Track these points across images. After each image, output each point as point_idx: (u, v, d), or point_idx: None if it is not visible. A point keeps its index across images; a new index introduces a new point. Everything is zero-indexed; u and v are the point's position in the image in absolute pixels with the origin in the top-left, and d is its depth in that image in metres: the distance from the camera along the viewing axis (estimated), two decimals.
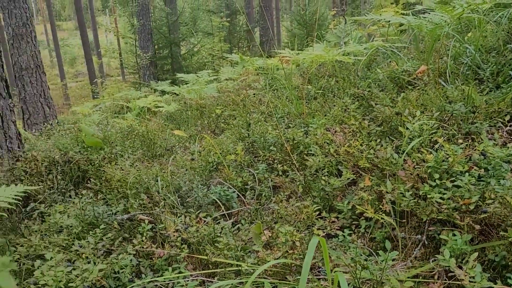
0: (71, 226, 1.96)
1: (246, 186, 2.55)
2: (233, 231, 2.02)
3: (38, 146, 3.41)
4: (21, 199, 1.96)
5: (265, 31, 14.84)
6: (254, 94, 4.37)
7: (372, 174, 2.02)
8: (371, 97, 2.81)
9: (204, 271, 1.86)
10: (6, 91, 3.16)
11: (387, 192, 1.74)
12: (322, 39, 7.20)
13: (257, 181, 2.52)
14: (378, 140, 2.12)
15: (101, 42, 32.81)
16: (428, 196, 1.60)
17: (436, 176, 1.68)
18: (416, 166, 1.77)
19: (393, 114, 2.32)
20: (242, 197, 2.45)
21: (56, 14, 50.39)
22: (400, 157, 1.86)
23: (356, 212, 1.84)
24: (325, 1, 28.31)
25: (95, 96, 15.44)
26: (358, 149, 2.04)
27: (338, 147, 2.15)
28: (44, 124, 6.59)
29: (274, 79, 4.79)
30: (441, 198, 1.59)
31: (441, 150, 1.79)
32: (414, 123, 2.02)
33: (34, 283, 1.57)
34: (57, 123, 6.71)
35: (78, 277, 1.56)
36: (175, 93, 7.43)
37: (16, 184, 2.70)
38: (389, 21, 3.33)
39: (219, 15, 15.14)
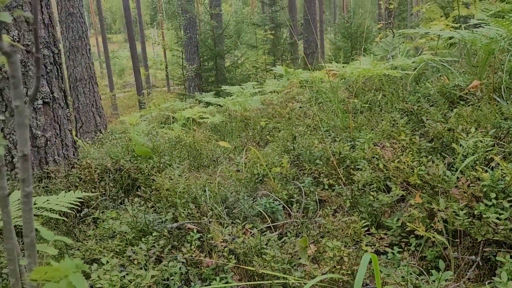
0: (125, 233, 2.04)
1: (291, 199, 2.56)
2: (279, 243, 2.04)
3: (91, 154, 3.58)
4: (79, 204, 2.06)
5: (309, 44, 14.86)
6: (300, 107, 4.38)
7: (423, 191, 1.98)
8: (421, 112, 2.76)
9: (250, 282, 1.88)
10: (64, 101, 3.34)
11: (439, 210, 1.71)
12: (368, 52, 7.13)
13: (303, 194, 2.52)
14: (429, 157, 2.08)
15: (149, 54, 33.95)
16: (484, 215, 1.56)
17: (492, 195, 1.63)
18: (470, 185, 1.72)
19: (445, 130, 2.27)
20: (288, 209, 2.46)
21: (107, 27, 52.67)
22: (454, 175, 1.81)
23: (406, 229, 1.81)
24: (370, 13, 28.02)
25: (142, 106, 15.95)
26: (408, 165, 2.01)
27: (387, 162, 2.13)
28: (95, 132, 6.90)
29: (319, 92, 4.79)
30: (497, 218, 1.54)
31: (498, 168, 1.73)
32: (468, 140, 1.97)
33: (91, 286, 1.65)
34: (109, 132, 7.00)
35: (131, 282, 1.62)
36: (220, 105, 7.56)
37: (71, 190, 2.85)
38: (440, 35, 3.27)
39: (263, 28, 15.31)
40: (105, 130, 7.18)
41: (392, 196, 2.05)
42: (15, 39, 2.92)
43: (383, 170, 2.14)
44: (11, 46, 0.64)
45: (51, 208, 1.73)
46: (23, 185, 0.70)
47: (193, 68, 12.38)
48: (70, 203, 1.78)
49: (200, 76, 12.89)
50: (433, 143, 2.33)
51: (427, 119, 2.46)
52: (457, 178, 1.79)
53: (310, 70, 6.16)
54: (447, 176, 1.83)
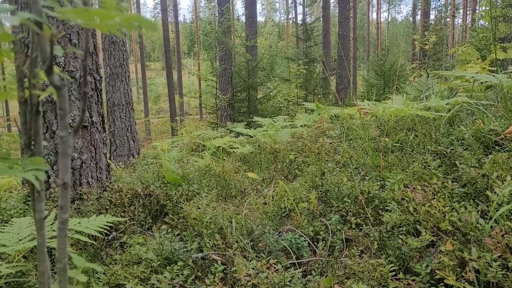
0: (150, 260, 2.06)
1: (317, 236, 2.53)
2: (303, 281, 2.00)
3: (123, 178, 3.66)
4: (108, 229, 2.11)
5: (342, 80, 14.93)
6: (330, 143, 4.37)
7: (454, 238, 1.92)
8: (454, 155, 2.71)
9: None
10: (102, 126, 3.46)
11: (471, 259, 1.65)
12: (401, 91, 7.10)
13: (329, 232, 2.49)
14: (462, 202, 2.03)
15: (184, 83, 34.88)
16: None
17: None
18: (505, 235, 1.66)
19: (479, 176, 2.22)
20: (313, 246, 2.43)
21: (146, 55, 54.63)
22: (487, 223, 1.76)
23: (435, 277, 1.75)
24: (404, 52, 28.01)
25: (174, 133, 16.26)
26: (439, 209, 1.96)
27: (417, 205, 2.09)
28: (128, 156, 7.07)
29: (350, 128, 4.78)
30: None
31: None
32: (503, 188, 1.92)
33: None
34: (139, 156, 7.15)
35: None
36: (250, 136, 7.63)
37: (101, 213, 2.91)
38: (478, 78, 3.23)
39: (296, 62, 15.52)
40: (138, 155, 7.34)
41: (421, 241, 1.99)
42: (61, 65, 3.08)
43: (413, 213, 2.09)
44: (61, 79, 0.69)
45: (81, 231, 1.77)
46: (61, 212, 0.73)
47: (226, 98, 12.60)
48: (100, 227, 1.82)
49: (233, 106, 13.08)
50: (466, 189, 2.28)
51: (460, 163, 2.41)
52: (491, 227, 1.73)
53: (341, 106, 6.16)
54: (480, 224, 1.77)
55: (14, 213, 2.70)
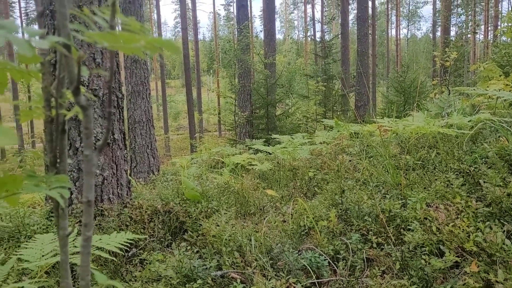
0: (170, 277, 2.06)
1: (338, 255, 2.49)
2: None
3: (143, 194, 3.69)
4: (128, 245, 2.12)
5: (361, 96, 14.87)
6: (350, 160, 4.34)
7: (479, 259, 1.87)
8: (478, 174, 2.65)
9: None
10: (123, 143, 3.51)
11: (497, 282, 1.60)
12: (422, 107, 7.03)
13: (350, 251, 2.45)
14: (487, 222, 1.98)
15: (203, 100, 35.26)
16: None
17: None
18: None
19: (504, 195, 2.16)
20: (333, 265, 2.39)
21: (166, 73, 55.54)
22: None
23: None
24: (425, 69, 27.78)
25: (193, 150, 16.38)
26: (463, 229, 1.91)
27: (440, 225, 2.04)
28: (148, 173, 7.14)
29: (370, 146, 4.74)
30: None
31: None
32: None
33: None
34: (159, 173, 7.21)
35: None
36: (269, 152, 7.62)
37: (122, 229, 2.93)
38: (501, 96, 3.18)
39: (315, 79, 15.54)
40: (158, 171, 7.41)
41: (445, 262, 1.94)
42: (85, 83, 3.15)
43: (436, 233, 2.05)
44: (87, 100, 0.70)
45: (102, 247, 1.78)
46: (85, 229, 0.74)
47: (245, 115, 12.67)
48: (120, 244, 1.83)
49: (251, 123, 13.14)
50: (491, 208, 2.22)
51: (484, 182, 2.35)
52: None
53: (360, 123, 6.12)
54: (506, 245, 1.72)
55: (37, 228, 2.74)
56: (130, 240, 2.27)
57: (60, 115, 0.90)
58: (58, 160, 0.94)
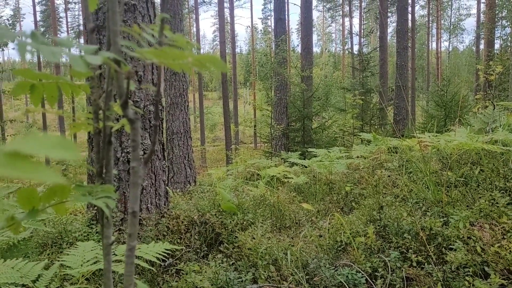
0: None
1: (375, 273, 2.43)
2: None
3: (180, 205, 3.74)
4: (166, 256, 2.15)
5: (399, 110, 14.57)
6: (389, 176, 4.25)
7: None
8: None
9: None
10: (162, 154, 3.58)
11: None
12: (464, 122, 6.81)
13: (389, 269, 2.39)
14: None
15: (240, 112, 35.59)
16: None
17: None
18: None
19: None
20: (371, 283, 2.34)
21: (204, 85, 56.53)
22: None
23: None
24: (467, 82, 26.95)
25: (229, 161, 16.51)
26: (510, 251, 1.83)
27: (485, 245, 1.96)
28: (184, 183, 7.24)
29: (409, 161, 4.62)
30: None
31: None
32: None
33: None
34: (195, 183, 7.30)
35: None
36: (304, 165, 7.58)
37: (159, 239, 2.98)
38: None
39: (352, 92, 15.39)
40: (194, 182, 7.50)
41: (490, 284, 1.86)
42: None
43: (481, 254, 1.97)
44: (135, 113, 0.73)
45: (141, 256, 1.82)
46: (129, 239, 0.76)
47: (281, 127, 12.67)
48: (158, 253, 1.86)
49: (287, 136, 13.12)
50: None
51: None
52: None
53: (399, 137, 5.99)
54: None
55: (79, 235, 2.83)
56: (167, 250, 2.30)
57: (107, 127, 0.94)
58: (104, 171, 0.97)
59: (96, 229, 3.05)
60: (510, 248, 1.83)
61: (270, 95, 13.83)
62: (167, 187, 3.74)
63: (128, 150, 3.28)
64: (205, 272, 2.28)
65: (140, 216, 3.30)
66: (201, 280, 2.15)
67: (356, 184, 4.53)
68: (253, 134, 31.13)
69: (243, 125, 32.34)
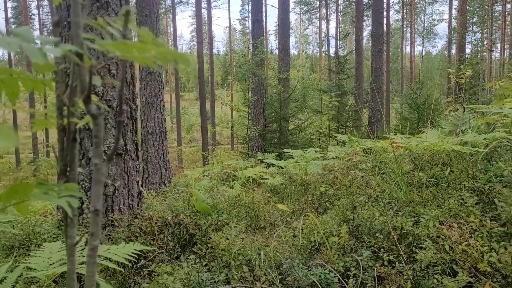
0: None
1: (348, 272, 2.45)
2: None
3: (154, 206, 3.69)
4: (137, 256, 2.11)
5: (374, 112, 14.80)
6: (362, 176, 4.30)
7: (493, 279, 1.82)
8: (493, 193, 2.60)
9: None
10: (135, 154, 3.53)
11: None
12: (436, 124, 6.96)
13: (360, 268, 2.41)
14: (501, 242, 1.93)
15: (217, 113, 35.46)
16: None
17: None
18: None
19: None
20: (343, 283, 2.35)
21: (181, 86, 56.09)
22: None
23: None
24: (439, 86, 27.58)
25: (206, 162, 16.42)
26: (477, 249, 1.87)
27: (453, 244, 2.00)
28: (159, 184, 7.16)
29: (383, 162, 4.69)
30: None
31: None
32: None
33: None
34: (170, 184, 7.23)
35: None
36: (280, 166, 7.60)
37: (131, 241, 2.93)
38: None
39: (329, 94, 15.54)
40: (169, 183, 7.42)
41: (459, 282, 1.90)
42: (99, 94, 3.19)
43: (449, 252, 2.01)
44: (97, 109, 0.71)
45: (110, 258, 1.78)
46: (91, 238, 0.74)
47: (258, 129, 12.69)
48: (128, 255, 1.83)
49: (264, 137, 13.14)
50: (506, 228, 2.17)
51: (499, 201, 2.30)
52: None
53: (373, 139, 6.08)
54: None
55: (48, 237, 2.75)
56: (139, 251, 2.27)
57: (71, 124, 0.91)
58: (68, 169, 0.94)
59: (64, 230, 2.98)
60: (477, 246, 1.87)
61: (247, 96, 13.83)
62: (141, 188, 3.69)
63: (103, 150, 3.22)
64: (178, 273, 2.25)
65: (112, 217, 3.24)
66: (173, 281, 2.12)
67: (331, 184, 4.57)
68: (230, 135, 31.08)
69: (220, 126, 32.22)
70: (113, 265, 1.70)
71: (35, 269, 1.66)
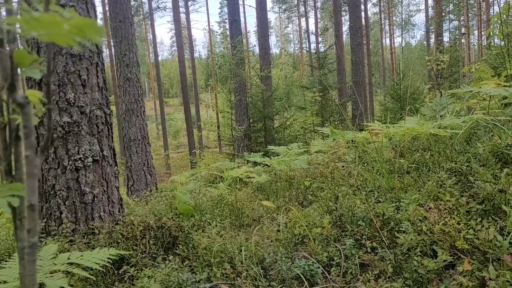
0: None
1: (331, 262, 2.44)
2: None
3: (136, 211, 3.64)
4: (110, 262, 2.06)
5: (357, 105, 14.88)
6: (343, 166, 4.29)
7: (473, 257, 1.81)
8: (470, 172, 2.60)
9: None
10: (113, 159, 3.47)
11: (490, 279, 1.54)
12: (416, 112, 7.00)
13: (343, 257, 2.39)
14: (479, 220, 1.92)
15: (202, 117, 35.31)
16: None
17: None
18: None
19: (495, 191, 2.11)
20: (327, 273, 2.33)
21: (165, 92, 55.78)
22: (505, 240, 1.65)
23: None
24: (421, 75, 27.85)
25: (193, 166, 16.32)
26: (455, 228, 1.86)
27: (432, 225, 1.99)
28: (145, 191, 7.08)
29: (364, 152, 4.69)
30: None
31: None
32: None
33: None
34: (156, 190, 7.15)
35: None
36: (267, 165, 7.57)
37: (113, 247, 2.87)
38: (489, 93, 3.15)
39: (312, 90, 15.57)
40: (155, 189, 7.35)
41: (438, 262, 1.89)
42: (71, 101, 3.13)
43: (427, 233, 2.00)
44: (24, 98, 0.67)
45: (83, 265, 1.73)
46: (28, 235, 0.70)
47: (242, 129, 12.66)
48: (102, 260, 1.78)
49: (249, 137, 13.12)
50: (484, 205, 2.17)
51: (476, 180, 2.30)
52: (510, 243, 1.63)
53: (357, 131, 6.09)
54: (499, 241, 1.67)
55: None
56: (118, 256, 2.21)
57: (12, 121, 0.87)
58: (13, 168, 0.90)
59: (45, 242, 2.91)
60: (453, 225, 1.86)
61: (229, 97, 13.80)
62: (123, 195, 3.63)
63: (75, 158, 3.16)
64: (158, 275, 2.20)
65: (92, 225, 3.18)
66: (153, 284, 2.07)
67: (315, 178, 4.56)
68: (217, 138, 30.98)
69: (206, 129, 32.10)
70: (83, 273, 1.65)
71: (5, 281, 1.60)
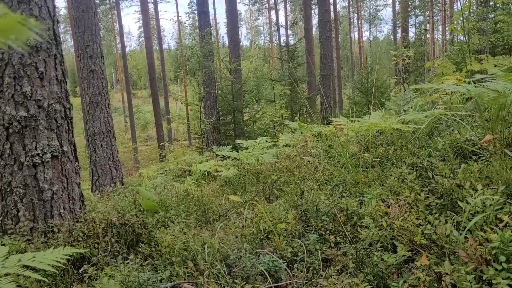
0: None
1: (295, 257, 2.44)
2: None
3: (98, 208, 3.54)
4: (67, 262, 2.00)
5: (326, 99, 15.01)
6: (309, 161, 4.32)
7: (431, 251, 1.85)
8: (431, 167, 2.66)
9: None
10: (73, 155, 3.36)
11: (446, 274, 1.58)
12: (382, 106, 7.12)
13: (305, 252, 2.40)
14: (437, 215, 1.96)
15: (172, 109, 34.88)
16: (493, 281, 1.42)
17: (503, 258, 1.50)
18: (478, 246, 1.59)
19: (453, 187, 2.16)
20: (291, 269, 2.34)
21: (133, 84, 54.71)
22: (461, 235, 1.69)
23: None
24: (388, 69, 28.39)
25: (162, 160, 16.13)
26: (413, 223, 1.89)
27: (392, 221, 2.02)
28: (110, 185, 6.92)
29: (331, 146, 4.74)
30: (508, 284, 1.40)
31: (508, 229, 1.61)
32: (476, 198, 1.86)
33: None
34: (122, 185, 7.01)
35: None
36: (236, 158, 7.54)
37: (73, 246, 2.79)
38: (449, 90, 3.22)
39: (281, 84, 15.61)
40: (122, 183, 7.20)
41: (398, 257, 1.92)
42: (28, 94, 3.00)
43: (387, 229, 2.03)
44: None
45: (35, 267, 1.66)
46: None
47: (211, 122, 12.57)
48: (56, 260, 1.71)
49: (218, 130, 13.04)
50: (442, 200, 2.22)
51: (435, 175, 2.35)
52: (465, 238, 1.67)
53: (325, 124, 6.14)
54: (455, 236, 1.71)
55: None
56: (77, 255, 2.15)
57: None
58: None
59: (1, 241, 2.80)
60: (412, 220, 1.89)
61: (197, 90, 13.66)
62: (86, 191, 3.52)
63: (33, 154, 3.04)
64: (118, 275, 2.15)
65: (52, 223, 3.08)
66: (113, 285, 2.02)
67: (283, 172, 4.56)
68: (186, 131, 30.68)
69: (176, 122, 31.72)
70: (36, 275, 1.59)
71: None
